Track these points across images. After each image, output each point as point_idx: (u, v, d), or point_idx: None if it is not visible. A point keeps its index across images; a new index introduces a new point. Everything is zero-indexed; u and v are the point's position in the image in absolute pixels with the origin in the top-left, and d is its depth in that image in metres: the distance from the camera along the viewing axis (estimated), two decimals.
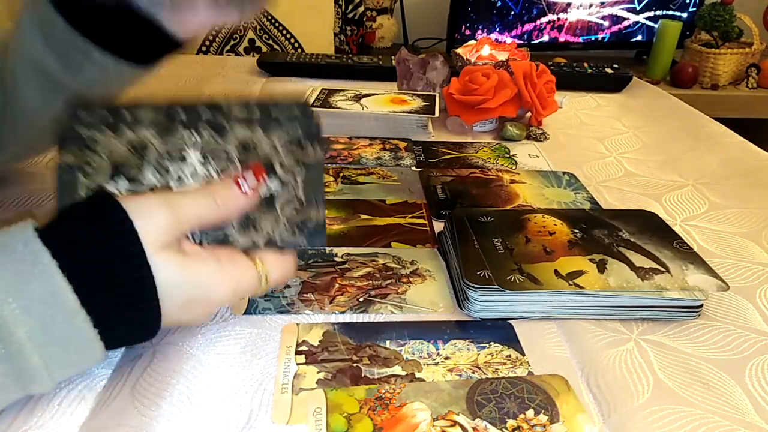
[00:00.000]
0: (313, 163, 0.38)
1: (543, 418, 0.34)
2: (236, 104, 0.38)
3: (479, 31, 1.82)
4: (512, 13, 1.83)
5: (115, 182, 0.36)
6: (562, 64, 1.12)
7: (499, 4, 1.81)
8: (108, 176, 0.36)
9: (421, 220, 0.56)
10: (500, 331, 0.42)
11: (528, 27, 1.86)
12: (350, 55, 1.12)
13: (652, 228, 0.50)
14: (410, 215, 0.57)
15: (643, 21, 1.93)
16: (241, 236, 0.37)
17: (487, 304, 0.42)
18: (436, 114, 0.77)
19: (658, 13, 1.92)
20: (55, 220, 0.31)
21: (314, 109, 0.40)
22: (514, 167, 0.70)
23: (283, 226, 0.38)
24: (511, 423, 0.34)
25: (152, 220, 0.32)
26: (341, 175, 0.65)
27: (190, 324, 0.38)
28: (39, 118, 0.44)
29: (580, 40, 1.92)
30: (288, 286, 0.45)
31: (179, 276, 0.33)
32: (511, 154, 0.74)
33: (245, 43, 1.60)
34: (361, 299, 0.44)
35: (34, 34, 0.41)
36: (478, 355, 0.40)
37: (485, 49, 0.90)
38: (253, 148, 0.37)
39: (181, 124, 0.37)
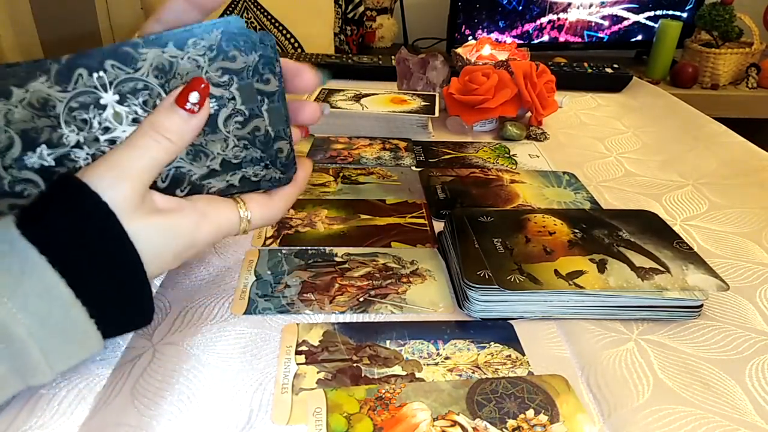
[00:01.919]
0: (242, 68, 0.34)
1: (543, 418, 0.34)
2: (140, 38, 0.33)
3: (479, 31, 1.82)
4: (512, 13, 1.83)
5: (35, 152, 0.32)
6: (562, 64, 1.12)
7: (498, 4, 1.81)
8: (20, 149, 0.32)
9: (421, 220, 0.56)
10: (500, 331, 0.42)
11: (528, 27, 1.86)
12: (350, 55, 1.12)
13: (652, 228, 0.50)
14: (410, 215, 0.57)
15: (643, 21, 1.93)
16: (194, 166, 0.35)
17: (487, 304, 0.42)
18: (436, 114, 0.77)
19: (658, 13, 1.92)
20: (30, 213, 0.31)
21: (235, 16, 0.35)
22: (514, 167, 0.70)
23: (232, 144, 0.36)
24: (511, 423, 0.34)
25: (115, 189, 0.31)
26: (341, 174, 0.65)
27: (184, 265, 0.38)
28: None
29: (580, 40, 1.92)
30: (288, 286, 0.45)
31: (161, 235, 0.33)
32: (511, 154, 0.74)
33: None
34: (361, 299, 0.44)
35: None
36: (478, 355, 0.40)
37: (485, 48, 0.90)
38: (170, 69, 0.33)
39: (78, 66, 0.32)
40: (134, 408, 0.34)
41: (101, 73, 0.32)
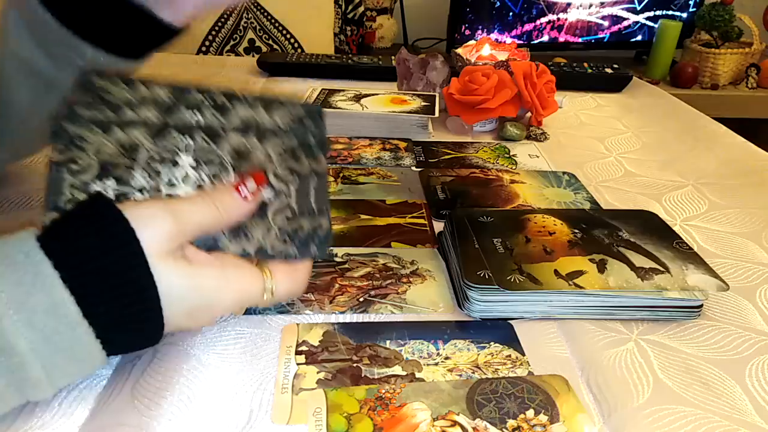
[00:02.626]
0: (308, 173, 0.38)
1: (543, 418, 0.35)
2: (238, 100, 0.37)
3: (479, 31, 1.82)
4: (512, 13, 1.83)
5: (102, 182, 0.35)
6: (562, 64, 1.13)
7: (498, 4, 1.81)
8: (95, 175, 0.35)
9: (421, 220, 0.56)
10: (500, 331, 0.42)
11: (528, 27, 1.86)
12: (350, 55, 1.12)
13: (652, 228, 0.50)
14: (410, 215, 0.57)
15: (643, 21, 1.93)
16: (231, 243, 0.37)
17: (487, 304, 0.42)
18: (436, 114, 0.77)
19: (658, 13, 1.92)
20: (55, 227, 0.31)
21: (322, 112, 0.39)
22: (514, 167, 0.70)
23: (274, 235, 0.37)
24: (511, 423, 0.34)
25: (155, 227, 0.31)
26: (341, 175, 0.65)
27: (194, 329, 0.38)
28: (32, 117, 0.43)
29: (580, 40, 1.92)
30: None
31: (183, 284, 0.32)
32: (511, 154, 0.74)
33: (245, 43, 1.60)
34: (361, 299, 0.44)
35: (20, 31, 0.40)
36: (478, 355, 0.40)
37: (485, 48, 0.90)
38: (246, 156, 0.37)
39: (174, 128, 0.36)
40: (134, 408, 0.34)
41: (189, 140, 0.36)
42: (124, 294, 0.30)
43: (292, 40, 1.63)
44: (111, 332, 0.31)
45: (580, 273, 0.43)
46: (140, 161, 0.35)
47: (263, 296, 0.36)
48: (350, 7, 1.82)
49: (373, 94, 0.83)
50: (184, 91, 0.36)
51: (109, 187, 0.35)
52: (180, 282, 0.32)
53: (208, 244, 0.36)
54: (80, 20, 0.40)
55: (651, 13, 1.93)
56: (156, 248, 0.31)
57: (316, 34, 1.64)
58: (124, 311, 0.31)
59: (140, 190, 0.36)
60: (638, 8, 1.90)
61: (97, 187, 0.35)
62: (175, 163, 0.36)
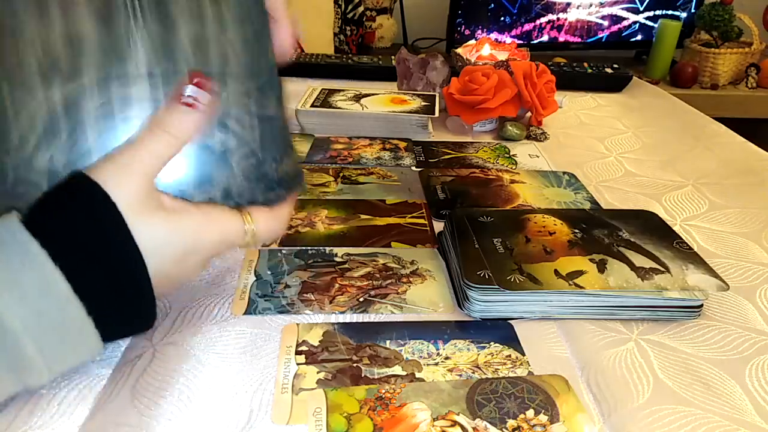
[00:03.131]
0: (272, 115, 0.36)
1: (543, 418, 0.34)
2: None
3: (479, 31, 1.82)
4: (512, 13, 1.83)
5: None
6: (562, 64, 1.13)
7: (498, 4, 1.81)
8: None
9: (421, 220, 0.56)
10: (500, 331, 0.42)
11: (528, 27, 1.86)
12: (350, 55, 1.12)
13: (652, 228, 0.50)
14: (410, 215, 0.57)
15: (643, 21, 1.93)
16: (196, 191, 0.36)
17: (487, 304, 0.42)
18: (436, 114, 0.77)
19: (658, 13, 1.92)
20: (36, 207, 0.31)
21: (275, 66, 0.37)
22: (514, 167, 0.70)
23: (239, 180, 0.36)
24: (511, 423, 0.34)
25: (123, 185, 0.31)
26: (341, 175, 0.65)
27: (185, 279, 0.37)
28: None
29: (580, 40, 1.92)
30: (288, 286, 0.45)
31: (164, 231, 0.33)
32: (511, 154, 0.74)
33: None
34: (361, 299, 0.44)
35: None
36: (478, 355, 0.40)
37: (485, 48, 0.90)
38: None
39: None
40: (134, 408, 0.34)
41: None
42: (109, 263, 0.31)
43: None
44: (102, 307, 0.31)
45: (580, 273, 0.43)
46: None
47: (245, 237, 0.37)
48: (350, 7, 1.82)
49: (373, 94, 0.83)
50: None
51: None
52: (160, 230, 0.33)
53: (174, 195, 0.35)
54: None
55: (651, 13, 1.93)
56: (130, 204, 0.32)
57: (316, 34, 1.64)
58: (111, 280, 0.31)
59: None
60: (641, 8, 1.90)
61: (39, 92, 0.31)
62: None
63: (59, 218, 0.30)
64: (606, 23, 1.91)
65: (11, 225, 0.30)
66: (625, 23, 1.93)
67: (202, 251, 0.35)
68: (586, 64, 1.06)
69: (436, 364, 0.39)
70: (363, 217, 0.56)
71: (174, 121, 0.33)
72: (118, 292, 0.32)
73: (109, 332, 0.32)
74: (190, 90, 0.33)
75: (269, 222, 0.38)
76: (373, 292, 0.45)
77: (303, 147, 0.72)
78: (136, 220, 0.32)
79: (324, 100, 0.79)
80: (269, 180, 0.37)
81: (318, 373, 0.37)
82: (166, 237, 0.33)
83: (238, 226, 0.36)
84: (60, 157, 0.33)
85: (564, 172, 0.68)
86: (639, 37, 1.97)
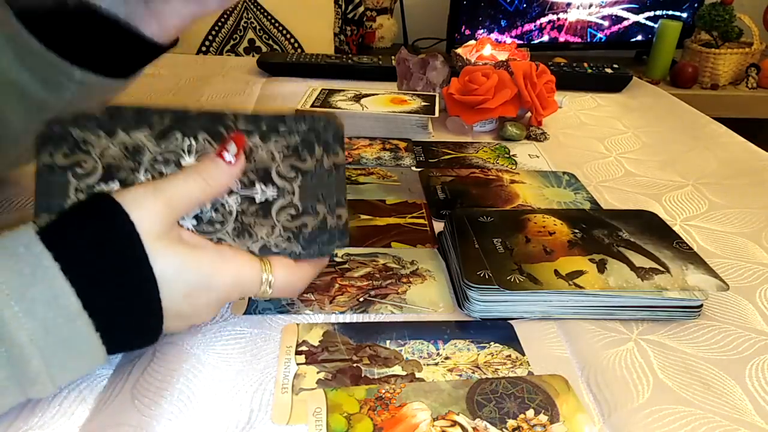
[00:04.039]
0: (310, 169, 0.38)
1: (543, 418, 0.35)
2: (241, 116, 0.37)
3: (479, 31, 1.82)
4: (512, 13, 1.83)
5: (107, 184, 0.35)
6: (562, 64, 1.12)
7: (499, 4, 1.81)
8: (99, 178, 0.35)
9: (421, 220, 0.56)
10: (500, 331, 0.42)
11: (528, 27, 1.86)
12: (350, 55, 1.12)
13: (652, 228, 0.50)
14: (410, 215, 0.57)
15: (643, 21, 1.93)
16: (235, 242, 0.37)
17: (487, 304, 0.42)
18: (436, 114, 0.77)
19: (658, 13, 1.92)
20: (54, 221, 0.31)
21: (333, 118, 0.40)
22: (514, 167, 0.70)
23: (278, 233, 0.38)
24: (511, 423, 0.34)
25: (146, 209, 0.32)
26: None
27: (195, 320, 0.37)
28: (26, 136, 0.42)
29: (580, 40, 1.92)
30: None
31: (179, 264, 0.33)
32: (511, 154, 0.74)
33: (245, 43, 1.60)
34: (361, 299, 0.44)
35: (6, 53, 0.39)
36: (478, 355, 0.40)
37: (485, 48, 0.90)
38: (249, 154, 0.37)
39: (178, 129, 0.36)
40: (134, 408, 0.34)
41: (192, 141, 0.37)
42: (122, 285, 0.31)
43: (292, 40, 1.63)
44: (110, 324, 0.31)
45: (580, 273, 0.43)
46: (144, 163, 0.36)
47: (261, 287, 0.37)
48: (350, 7, 1.83)
49: (373, 94, 0.83)
50: (166, 134, 0.36)
51: (113, 190, 0.35)
52: (176, 262, 0.33)
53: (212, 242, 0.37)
54: (66, 43, 0.40)
55: (651, 13, 1.93)
56: (150, 229, 0.32)
57: (316, 34, 1.64)
58: (122, 302, 0.31)
59: None
60: (638, 8, 1.90)
61: (101, 188, 0.35)
62: (179, 164, 0.37)
63: (75, 234, 0.31)
64: (606, 23, 1.91)
65: (26, 236, 0.30)
66: (625, 23, 1.93)
67: (214, 291, 0.35)
68: (586, 64, 1.06)
69: (436, 364, 0.39)
70: (363, 217, 0.56)
71: (213, 172, 0.35)
72: (127, 310, 0.32)
73: (114, 347, 0.32)
74: (232, 149, 0.36)
75: (289, 275, 0.38)
76: (373, 292, 0.45)
77: None
78: (153, 246, 0.32)
79: (324, 100, 0.79)
80: (307, 235, 0.38)
81: (318, 373, 0.37)
82: (181, 269, 0.33)
83: (255, 272, 0.36)
84: (117, 188, 0.36)
85: (564, 172, 0.68)
86: (639, 38, 1.97)
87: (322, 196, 0.38)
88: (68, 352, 0.30)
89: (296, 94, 0.84)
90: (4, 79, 0.40)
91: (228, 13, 1.57)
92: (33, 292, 0.29)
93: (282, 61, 1.04)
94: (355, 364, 0.38)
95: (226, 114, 0.37)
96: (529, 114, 0.83)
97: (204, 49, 1.58)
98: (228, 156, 0.35)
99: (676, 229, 0.55)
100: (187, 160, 0.37)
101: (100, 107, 0.36)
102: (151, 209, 0.32)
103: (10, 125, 0.42)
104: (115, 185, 0.36)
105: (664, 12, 1.92)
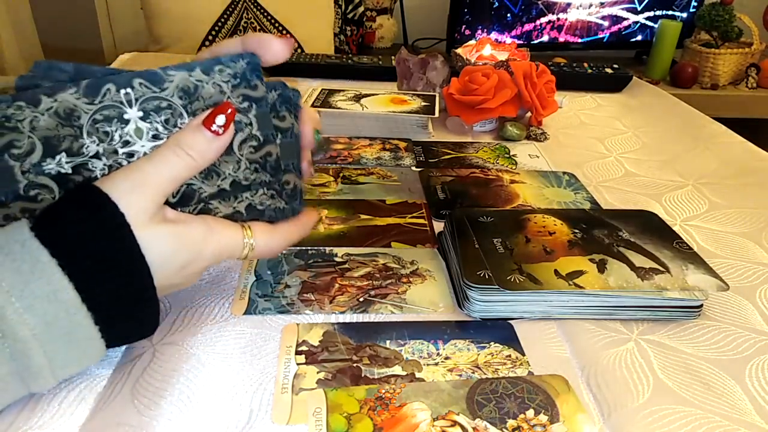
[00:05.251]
0: (262, 96, 0.36)
1: (543, 418, 0.34)
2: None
3: (479, 31, 1.82)
4: (512, 13, 1.83)
5: (54, 159, 0.33)
6: (562, 64, 1.12)
7: (498, 4, 1.81)
8: (42, 154, 0.32)
9: (421, 220, 0.56)
10: (500, 331, 0.42)
11: (528, 27, 1.86)
12: (350, 55, 1.12)
13: (652, 228, 0.50)
14: (410, 215, 0.57)
15: (643, 21, 1.93)
16: (204, 185, 0.36)
17: (487, 304, 0.42)
18: (436, 114, 0.77)
19: (658, 13, 1.92)
20: (46, 216, 0.31)
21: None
22: (514, 167, 0.70)
23: (244, 166, 0.37)
24: (511, 423, 0.34)
25: (133, 196, 0.32)
26: (341, 175, 0.65)
27: (186, 285, 0.38)
28: None
29: (580, 40, 1.92)
30: (288, 286, 0.45)
31: (170, 245, 0.33)
32: (511, 154, 0.74)
33: None
34: (361, 299, 0.44)
35: None
36: (478, 355, 0.40)
37: (485, 48, 0.90)
38: (195, 92, 0.35)
39: (107, 82, 0.33)
40: (134, 408, 0.34)
41: (128, 90, 0.33)
42: (116, 273, 0.31)
43: (292, 40, 1.63)
44: (109, 316, 0.31)
45: (580, 273, 0.43)
46: (85, 126, 0.33)
47: (243, 250, 0.38)
48: (350, 7, 1.82)
49: (373, 94, 0.83)
50: (96, 88, 0.33)
51: (63, 164, 0.33)
52: (167, 244, 0.33)
53: (183, 192, 0.36)
54: None
55: (651, 13, 1.92)
56: (138, 217, 0.32)
57: (316, 34, 1.64)
58: (117, 290, 0.31)
59: (96, 156, 0.34)
60: (639, 8, 1.90)
61: (51, 166, 0.33)
62: (122, 119, 0.34)
63: (68, 228, 0.31)
64: (606, 23, 1.91)
65: (22, 234, 0.30)
66: (625, 23, 1.93)
67: (202, 261, 0.36)
68: (586, 64, 1.06)
69: (436, 364, 0.39)
70: (363, 217, 0.56)
71: (198, 145, 0.34)
72: (124, 302, 0.32)
73: (113, 339, 0.33)
74: (221, 120, 0.34)
75: (268, 237, 0.39)
76: (373, 292, 0.45)
77: None
78: (144, 232, 0.32)
79: (324, 100, 0.79)
80: (288, 192, 0.39)
81: (318, 373, 0.37)
82: (171, 247, 0.34)
83: (237, 238, 0.37)
84: (66, 160, 0.33)
85: (564, 172, 0.68)
86: (639, 38, 1.97)
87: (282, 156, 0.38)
88: (69, 346, 0.31)
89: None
90: None
91: (228, 13, 1.57)
92: (33, 288, 0.29)
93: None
94: (355, 364, 0.38)
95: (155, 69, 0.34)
96: (529, 114, 0.83)
97: (204, 49, 1.58)
98: (215, 126, 0.34)
99: (676, 229, 0.55)
100: (130, 112, 0.34)
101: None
102: (138, 195, 0.32)
103: None
104: (62, 157, 0.33)
105: (664, 12, 1.92)
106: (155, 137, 0.34)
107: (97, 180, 0.33)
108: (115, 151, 0.34)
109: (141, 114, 0.34)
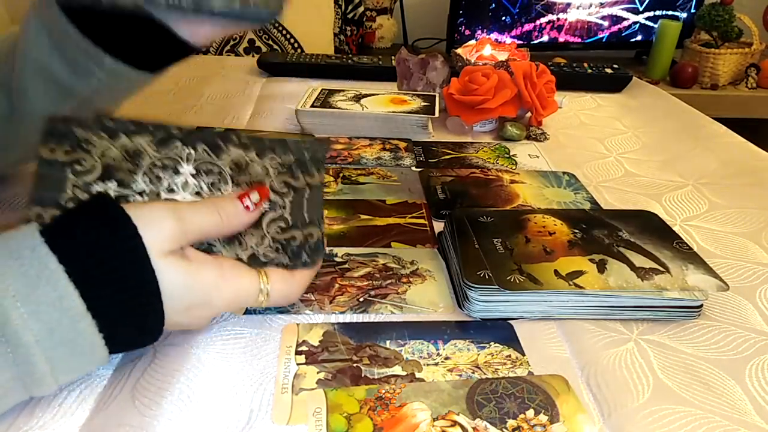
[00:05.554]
0: (303, 186, 0.40)
1: (543, 418, 0.35)
2: (235, 135, 0.38)
3: (479, 31, 1.82)
4: (512, 13, 1.83)
5: (104, 183, 0.36)
6: (562, 64, 1.13)
7: (498, 4, 1.81)
8: (97, 177, 0.36)
9: (421, 220, 0.56)
10: (500, 331, 0.42)
11: (528, 27, 1.86)
12: (350, 55, 1.12)
13: (652, 228, 0.50)
14: (410, 215, 0.57)
15: (643, 21, 1.93)
16: (225, 249, 0.38)
17: (487, 304, 0.42)
18: (436, 114, 0.77)
19: (658, 13, 1.92)
20: (59, 224, 0.31)
21: (321, 143, 0.41)
22: (514, 167, 0.70)
23: (267, 244, 0.39)
24: (511, 423, 0.34)
25: (159, 228, 0.33)
26: (341, 175, 0.65)
27: (189, 328, 0.39)
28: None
29: (580, 40, 1.92)
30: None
31: (182, 281, 0.33)
32: (511, 154, 0.74)
33: (245, 43, 1.60)
34: (361, 299, 0.44)
35: (41, 37, 0.41)
36: (478, 355, 0.40)
37: (485, 49, 0.90)
38: (244, 168, 0.38)
39: (178, 139, 0.37)
40: (135, 408, 0.34)
41: (191, 150, 0.38)
42: (126, 288, 0.31)
43: (292, 40, 1.63)
44: (113, 326, 0.31)
45: (580, 273, 0.43)
46: (143, 166, 0.37)
47: (258, 297, 0.37)
48: (350, 7, 1.82)
49: (373, 94, 0.83)
50: (167, 142, 0.37)
51: (110, 189, 0.36)
52: (180, 278, 0.33)
53: (203, 249, 0.37)
54: (101, 31, 0.41)
55: (651, 13, 1.93)
56: (158, 247, 0.32)
57: (316, 34, 1.64)
58: (126, 305, 0.32)
59: (140, 194, 0.37)
60: (641, 8, 1.90)
61: (98, 188, 0.36)
62: (177, 171, 0.37)
63: (81, 237, 0.31)
64: (606, 23, 1.91)
65: (31, 239, 0.30)
66: (625, 23, 1.93)
67: (211, 308, 0.36)
68: (586, 65, 1.06)
69: (436, 364, 0.39)
70: (363, 217, 0.56)
71: (229, 208, 0.36)
72: (130, 311, 0.32)
73: (116, 347, 0.33)
74: (255, 197, 0.37)
75: (285, 285, 0.39)
76: (373, 292, 0.45)
77: None
78: (160, 261, 0.32)
79: (324, 101, 0.79)
80: (295, 247, 0.40)
81: (318, 373, 0.37)
82: (183, 285, 0.34)
83: (253, 286, 0.37)
84: (114, 188, 0.37)
85: (564, 173, 0.68)
86: (639, 38, 1.97)
87: (307, 210, 0.40)
88: (72, 353, 0.30)
89: (296, 94, 0.85)
90: (36, 62, 0.42)
91: None
92: (38, 293, 0.29)
93: (282, 61, 1.04)
94: (355, 364, 0.38)
95: (227, 132, 0.38)
96: (529, 114, 0.83)
97: (204, 49, 1.58)
98: (248, 201, 0.37)
99: (676, 229, 0.55)
100: (185, 168, 0.37)
101: (119, 103, 0.37)
102: (163, 229, 0.33)
103: (34, 106, 0.43)
104: (112, 185, 0.36)
105: (664, 12, 1.92)
106: (197, 194, 0.38)
107: (125, 204, 0.33)
108: (158, 195, 0.37)
109: (194, 171, 0.38)
